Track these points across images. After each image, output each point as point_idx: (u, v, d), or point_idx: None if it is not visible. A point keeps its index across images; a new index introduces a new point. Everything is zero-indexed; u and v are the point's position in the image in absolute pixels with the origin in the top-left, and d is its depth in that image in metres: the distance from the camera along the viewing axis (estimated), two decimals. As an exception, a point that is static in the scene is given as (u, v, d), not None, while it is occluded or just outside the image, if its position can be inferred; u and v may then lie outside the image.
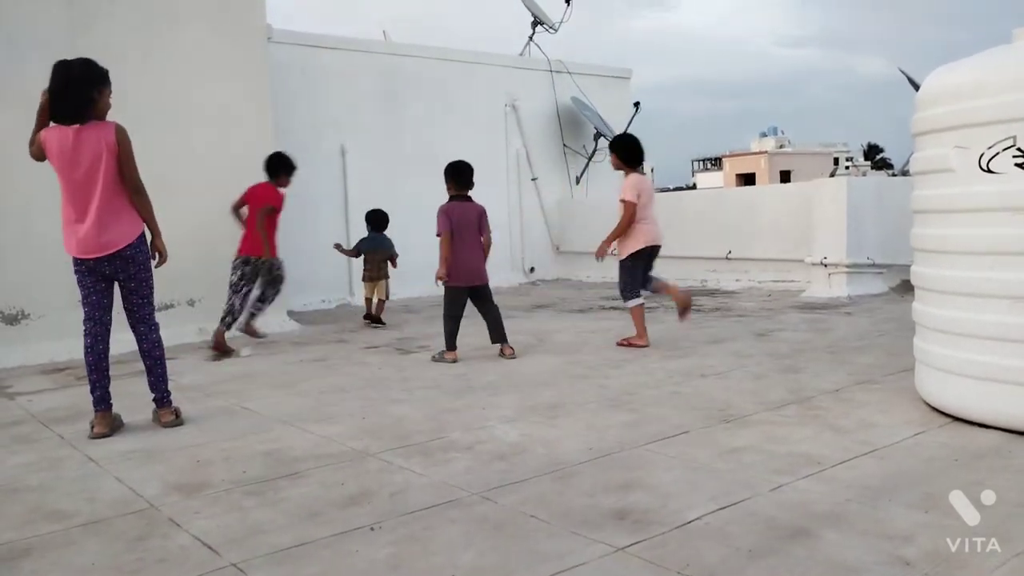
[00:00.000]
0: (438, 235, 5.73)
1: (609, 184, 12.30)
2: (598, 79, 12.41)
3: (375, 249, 7.66)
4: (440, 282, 5.80)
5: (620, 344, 5.87)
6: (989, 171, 3.30)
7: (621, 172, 5.99)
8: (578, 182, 12.08)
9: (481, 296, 5.76)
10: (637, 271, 5.81)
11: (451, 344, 5.64)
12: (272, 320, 7.40)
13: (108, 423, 4.00)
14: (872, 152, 76.27)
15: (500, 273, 10.93)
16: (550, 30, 12.27)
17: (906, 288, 7.38)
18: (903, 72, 14.47)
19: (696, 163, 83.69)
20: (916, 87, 4.06)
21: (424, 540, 2.56)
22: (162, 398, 4.13)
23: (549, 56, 11.90)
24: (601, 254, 5.84)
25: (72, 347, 6.40)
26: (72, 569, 2.48)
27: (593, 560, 2.36)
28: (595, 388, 4.55)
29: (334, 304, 8.76)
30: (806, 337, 5.89)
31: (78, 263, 3.90)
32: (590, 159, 12.02)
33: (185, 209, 7.04)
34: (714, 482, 2.95)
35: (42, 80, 6.75)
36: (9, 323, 6.30)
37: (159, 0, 6.97)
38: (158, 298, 6.97)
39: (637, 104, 12.74)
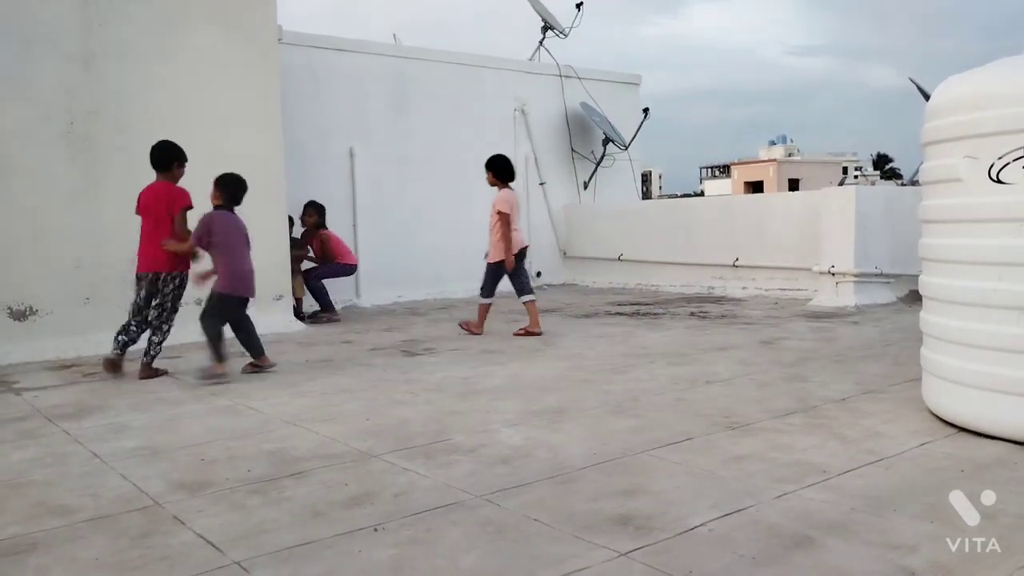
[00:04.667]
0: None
1: (617, 190, 12.34)
2: (608, 85, 12.42)
3: None
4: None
5: (517, 334, 6.74)
6: (999, 181, 3.29)
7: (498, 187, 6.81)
8: (586, 187, 12.09)
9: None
10: (500, 275, 6.81)
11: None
12: (278, 320, 7.43)
13: None
14: (881, 162, 76.03)
15: (507, 277, 10.95)
16: (560, 35, 12.29)
17: (914, 298, 7.36)
18: (913, 82, 14.47)
19: (704, 170, 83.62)
20: (926, 97, 4.06)
21: (427, 542, 2.56)
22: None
23: (559, 61, 11.92)
24: (510, 265, 6.74)
25: (79, 344, 6.44)
26: (76, 564, 2.48)
27: (595, 565, 2.35)
28: (599, 393, 4.54)
29: (340, 305, 8.77)
30: (812, 346, 5.87)
31: None
32: (598, 164, 12.02)
33: (195, 209, 7.07)
34: (718, 489, 2.94)
35: (56, 79, 6.83)
36: (17, 319, 6.33)
37: (171, 1, 7.01)
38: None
39: (646, 110, 12.75)
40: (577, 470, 3.20)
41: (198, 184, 7.09)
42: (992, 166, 3.30)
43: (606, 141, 11.88)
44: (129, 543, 2.62)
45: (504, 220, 6.67)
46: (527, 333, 6.74)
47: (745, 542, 2.47)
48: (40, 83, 6.45)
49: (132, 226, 6.76)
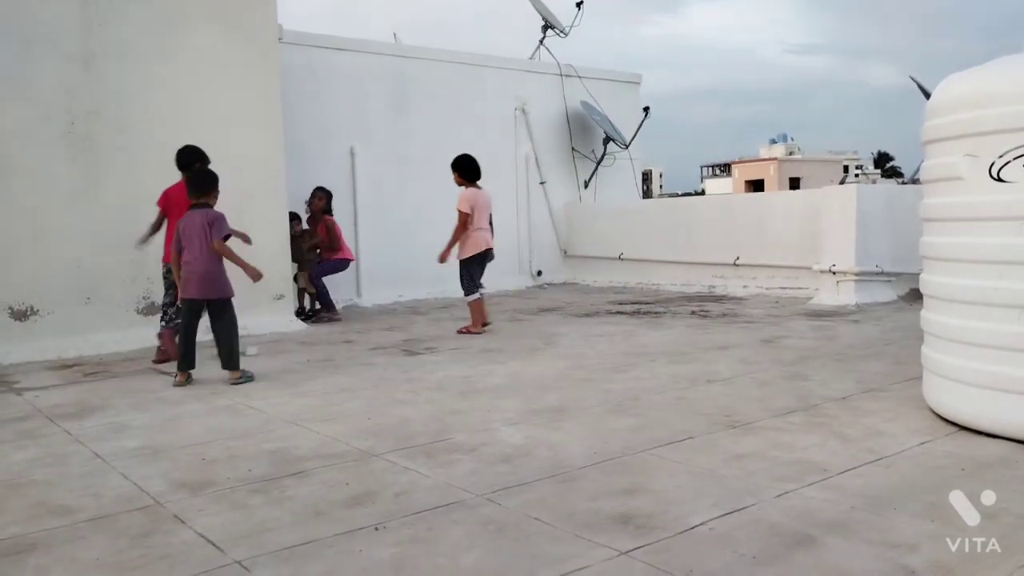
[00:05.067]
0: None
1: (618, 189, 12.34)
2: (608, 84, 12.42)
3: None
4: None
5: (460, 332, 6.90)
6: (999, 180, 3.29)
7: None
8: (586, 186, 12.09)
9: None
10: (474, 271, 6.91)
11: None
12: (279, 320, 7.43)
13: None
14: (882, 160, 75.98)
15: (508, 276, 10.94)
16: (560, 34, 12.29)
17: (915, 297, 7.35)
18: (914, 80, 14.46)
19: (705, 169, 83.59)
20: (927, 95, 4.06)
21: (428, 541, 2.56)
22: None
23: (559, 60, 11.92)
24: (443, 258, 6.97)
25: (80, 344, 6.45)
26: (76, 564, 2.49)
27: (596, 564, 2.35)
28: (600, 392, 4.54)
29: (341, 305, 8.77)
30: (813, 344, 5.87)
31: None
32: (599, 163, 12.02)
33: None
34: (718, 488, 2.94)
35: (56, 79, 6.82)
36: (18, 319, 6.33)
37: (171, 1, 7.01)
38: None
39: (646, 109, 12.74)
40: (578, 469, 3.20)
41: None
42: (993, 164, 3.29)
43: (607, 140, 11.87)
44: (130, 543, 2.62)
45: (461, 219, 6.81)
46: (468, 331, 6.92)
47: (746, 541, 2.47)
48: (40, 83, 6.45)
49: (133, 226, 6.78)
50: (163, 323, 5.99)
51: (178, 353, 5.24)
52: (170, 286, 5.82)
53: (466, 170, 6.97)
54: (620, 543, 2.48)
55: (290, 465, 3.38)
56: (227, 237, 5.18)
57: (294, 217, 8.09)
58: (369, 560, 2.43)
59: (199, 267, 5.11)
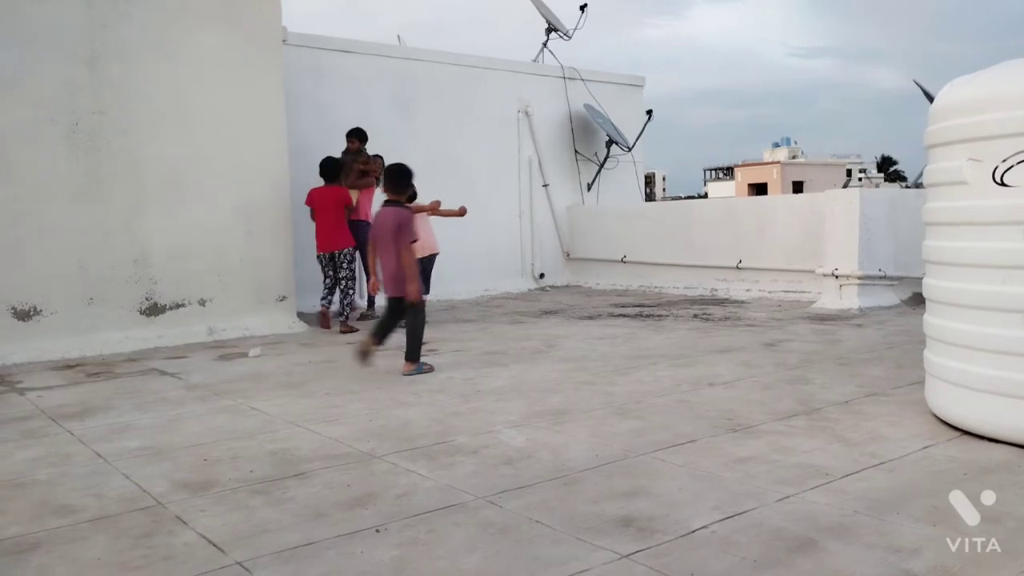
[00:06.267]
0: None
1: (621, 192, 12.34)
2: (611, 87, 12.43)
3: None
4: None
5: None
6: (1003, 184, 3.29)
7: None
8: (589, 189, 12.09)
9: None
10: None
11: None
12: (281, 321, 7.44)
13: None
14: (885, 164, 75.96)
15: (510, 279, 10.95)
16: (564, 37, 12.30)
17: (918, 301, 7.34)
18: (918, 84, 14.48)
19: (708, 172, 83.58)
20: (931, 99, 4.05)
21: (429, 543, 2.56)
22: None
23: (562, 63, 11.93)
24: (463, 210, 7.92)
25: (83, 344, 6.45)
26: (79, 564, 2.49)
27: (597, 567, 2.35)
28: (602, 395, 4.54)
29: (343, 306, 8.78)
30: (816, 348, 5.86)
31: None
32: (602, 166, 12.02)
33: (197, 209, 7.10)
34: (720, 491, 2.93)
35: (61, 80, 6.83)
36: (21, 319, 6.34)
37: (176, 2, 7.03)
38: (169, 297, 7.05)
39: (650, 112, 12.75)
40: (579, 472, 3.20)
41: (206, 183, 7.14)
42: (996, 169, 3.29)
43: (609, 143, 11.88)
44: (131, 543, 2.63)
45: (421, 209, 7.32)
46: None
47: (747, 545, 2.46)
48: (45, 84, 6.47)
49: (136, 226, 6.81)
50: (322, 301, 7.60)
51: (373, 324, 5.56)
52: (327, 272, 7.53)
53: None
54: (621, 546, 2.48)
55: (292, 466, 3.38)
56: (413, 241, 5.36)
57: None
58: (370, 562, 2.43)
59: (389, 268, 5.38)
